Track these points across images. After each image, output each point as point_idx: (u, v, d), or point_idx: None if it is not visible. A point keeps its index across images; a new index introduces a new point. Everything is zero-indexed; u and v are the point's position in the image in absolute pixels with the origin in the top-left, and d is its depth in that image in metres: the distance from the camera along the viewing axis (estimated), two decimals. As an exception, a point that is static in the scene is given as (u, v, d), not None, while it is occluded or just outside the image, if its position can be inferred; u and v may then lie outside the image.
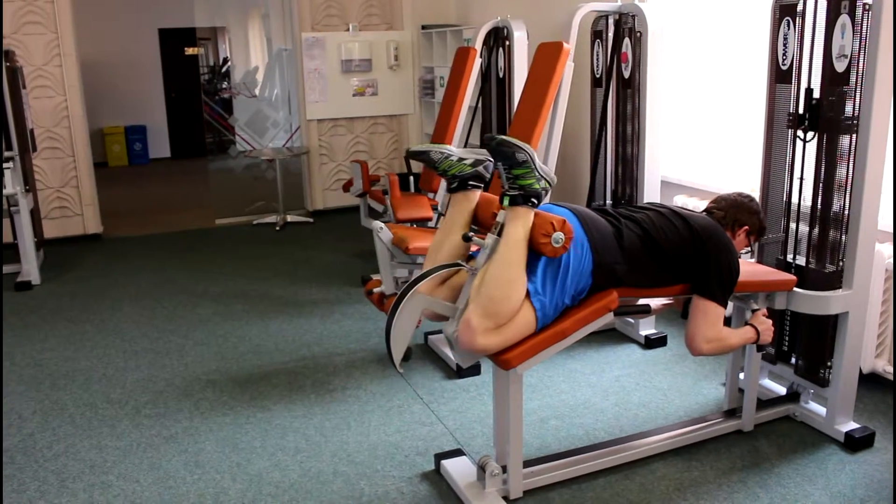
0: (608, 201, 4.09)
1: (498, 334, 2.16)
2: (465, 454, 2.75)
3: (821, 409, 2.97)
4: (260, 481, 2.69)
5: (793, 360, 3.06)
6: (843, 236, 2.73)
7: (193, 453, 2.88)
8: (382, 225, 3.40)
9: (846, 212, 2.71)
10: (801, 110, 2.79)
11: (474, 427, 3.04)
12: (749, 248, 2.85)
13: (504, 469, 2.49)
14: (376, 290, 3.49)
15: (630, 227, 2.45)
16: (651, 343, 3.85)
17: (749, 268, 2.87)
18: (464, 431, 3.00)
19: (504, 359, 2.19)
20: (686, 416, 3.09)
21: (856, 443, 2.80)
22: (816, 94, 2.73)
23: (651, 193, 3.75)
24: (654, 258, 2.44)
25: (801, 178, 2.86)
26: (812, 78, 2.76)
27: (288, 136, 8.25)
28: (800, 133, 2.82)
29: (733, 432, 2.93)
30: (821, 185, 2.77)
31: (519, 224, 2.19)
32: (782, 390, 3.15)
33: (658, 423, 3.04)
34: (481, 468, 2.49)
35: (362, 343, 3.91)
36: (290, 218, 6.78)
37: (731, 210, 2.75)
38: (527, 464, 2.56)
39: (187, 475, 2.73)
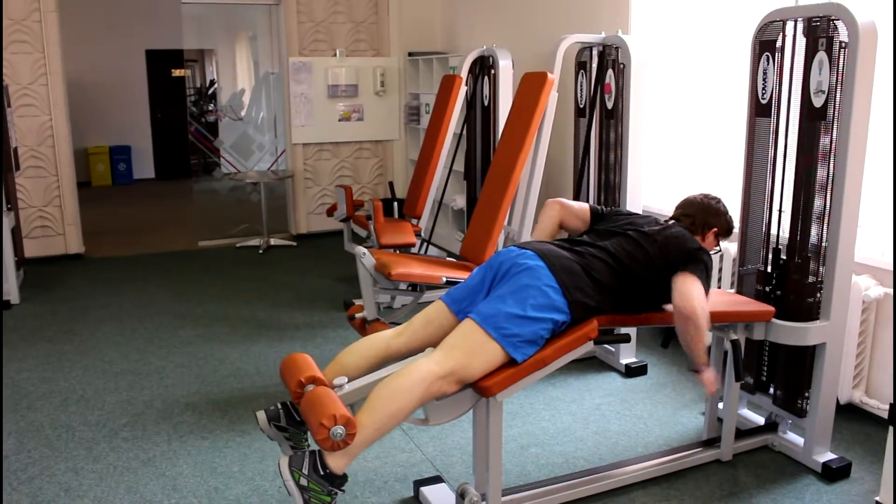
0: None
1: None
2: (444, 481, 2.74)
3: (799, 440, 2.99)
4: (237, 506, 2.67)
5: (771, 391, 3.09)
6: (821, 268, 2.77)
7: (171, 477, 2.86)
8: (365, 250, 3.41)
9: (824, 244, 2.75)
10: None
11: (453, 454, 3.04)
12: (718, 249, 2.88)
13: (483, 497, 2.49)
14: (358, 315, 3.49)
15: (598, 256, 2.48)
16: (631, 371, 3.86)
17: (727, 298, 2.90)
18: (443, 458, 3.00)
19: (484, 386, 2.20)
20: (665, 445, 3.10)
21: (833, 473, 2.82)
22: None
23: (633, 207, 3.79)
24: (628, 284, 2.47)
25: (780, 210, 2.90)
26: (791, 112, 2.82)
27: (273, 159, 8.27)
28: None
29: (712, 462, 2.94)
30: (799, 217, 2.82)
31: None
32: (761, 420, 3.17)
33: (638, 452, 3.05)
34: (460, 496, 2.49)
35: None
36: (273, 241, 6.77)
37: (699, 215, 2.82)
38: (506, 491, 2.56)
39: (164, 499, 2.71)
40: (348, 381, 2.29)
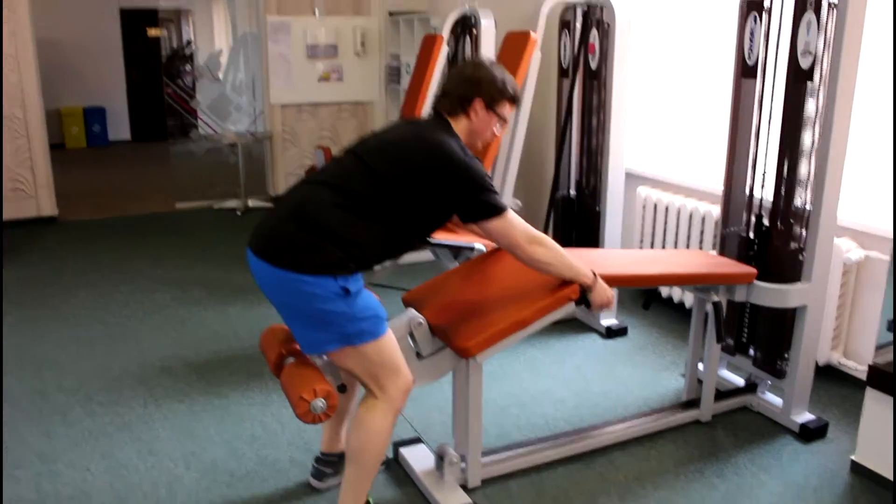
0: (572, 192, 4.09)
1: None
2: (423, 442, 2.73)
3: (777, 400, 3.01)
4: (215, 470, 2.64)
5: (751, 352, 3.09)
6: (804, 231, 2.75)
7: (147, 441, 2.82)
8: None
9: (807, 206, 2.73)
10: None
11: (433, 415, 3.02)
12: (503, 120, 2.32)
13: (462, 458, 2.48)
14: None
15: (314, 198, 2.09)
16: (612, 333, 3.86)
17: (709, 259, 2.89)
18: (422, 419, 2.98)
19: (463, 347, 2.17)
20: (646, 407, 3.10)
21: (810, 433, 2.84)
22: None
23: (615, 185, 3.76)
24: (369, 215, 2.08)
25: (764, 173, 2.88)
26: (777, 73, 2.78)
27: (251, 120, 8.14)
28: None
29: (692, 422, 2.95)
30: (783, 180, 2.80)
31: None
32: (740, 381, 3.18)
33: (618, 413, 3.05)
34: (439, 457, 2.47)
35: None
36: (252, 203, 6.69)
37: (455, 92, 2.26)
38: (486, 452, 2.55)
39: (140, 464, 2.67)
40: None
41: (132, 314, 4.13)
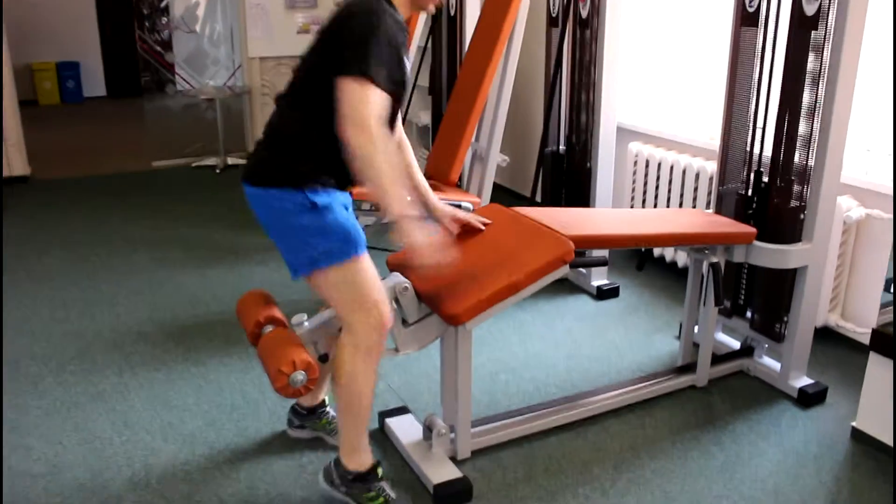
0: (562, 147, 3.95)
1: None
2: (410, 412, 2.62)
3: (774, 364, 2.92)
4: (193, 441, 2.53)
5: (748, 314, 2.99)
6: (805, 190, 2.63)
7: (122, 412, 2.70)
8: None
9: (809, 164, 2.61)
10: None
11: (420, 383, 2.92)
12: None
13: (452, 428, 2.38)
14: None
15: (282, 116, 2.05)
16: (603, 294, 3.76)
17: (707, 218, 2.77)
18: (409, 388, 2.88)
19: (452, 314, 2.05)
20: (639, 371, 3.01)
21: (809, 398, 2.76)
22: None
23: (606, 139, 3.62)
24: (304, 106, 1.97)
25: (764, 129, 2.75)
26: (779, 22, 2.63)
27: (229, 74, 7.89)
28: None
29: (687, 387, 2.87)
30: (783, 136, 2.67)
31: None
32: (736, 344, 3.09)
33: (611, 378, 2.96)
34: (427, 428, 2.37)
35: (304, 292, 3.72)
36: (231, 160, 6.49)
37: None
38: (475, 422, 2.45)
39: (115, 436, 2.56)
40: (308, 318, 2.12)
41: (107, 277, 3.98)
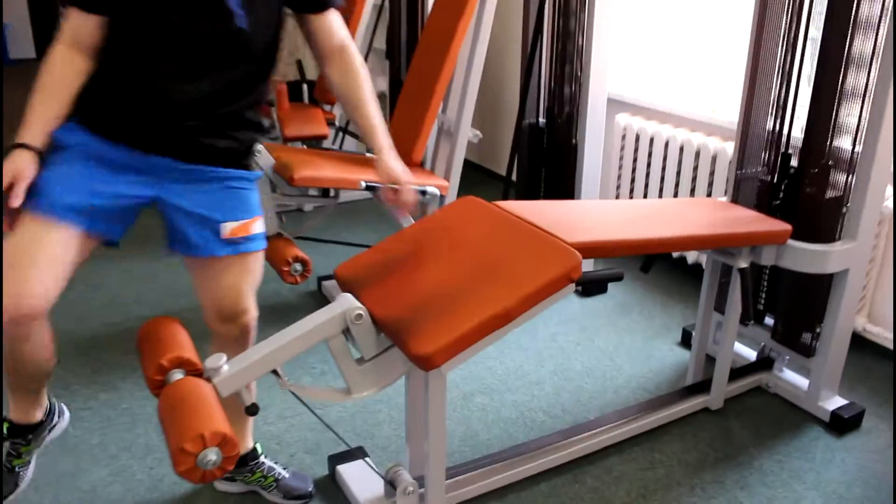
0: (542, 120, 3.43)
1: None
2: (367, 455, 2.12)
3: (797, 379, 2.48)
4: (94, 499, 2.00)
5: (768, 321, 2.54)
6: (850, 177, 2.16)
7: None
8: (261, 147, 2.65)
9: (856, 148, 2.13)
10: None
11: (380, 410, 2.41)
12: None
13: (420, 481, 1.87)
14: (257, 231, 2.77)
15: None
16: (588, 290, 3.28)
17: (731, 212, 2.28)
18: (366, 417, 2.37)
19: (422, 355, 1.52)
20: (640, 389, 2.54)
21: (844, 424, 2.32)
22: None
23: (595, 111, 3.12)
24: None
25: (795, 101, 2.26)
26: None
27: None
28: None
29: (699, 411, 2.41)
30: (821, 110, 2.19)
31: None
32: (751, 354, 2.64)
33: (607, 399, 2.49)
34: (390, 483, 1.87)
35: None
36: (168, 132, 5.84)
37: None
38: (450, 471, 1.95)
39: (-9, 493, 2.01)
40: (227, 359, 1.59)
41: None
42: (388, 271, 1.80)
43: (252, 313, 1.80)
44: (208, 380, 1.53)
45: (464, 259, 1.74)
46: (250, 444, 1.99)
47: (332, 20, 1.76)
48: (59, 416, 2.00)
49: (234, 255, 1.71)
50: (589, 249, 1.75)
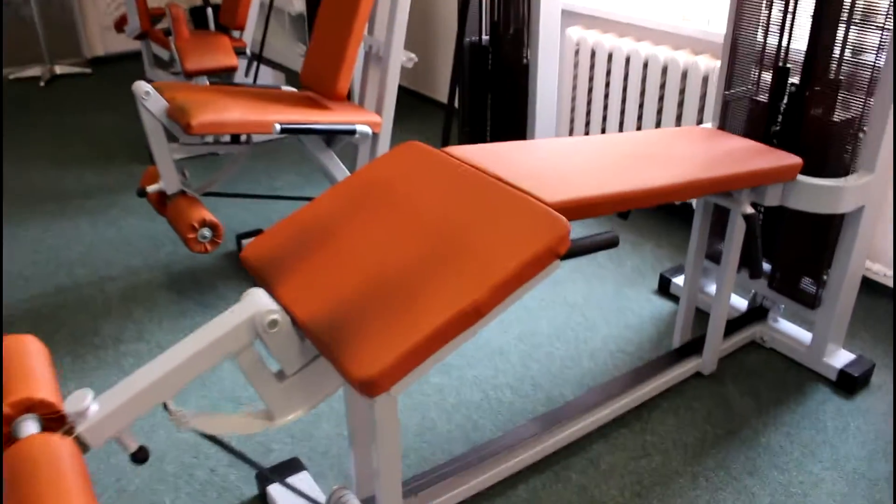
0: (485, 37, 2.98)
1: None
2: (304, 468, 1.73)
3: (796, 331, 2.17)
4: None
5: (766, 268, 2.20)
6: (867, 99, 1.79)
7: None
8: (149, 88, 2.15)
9: (878, 59, 1.76)
10: None
11: (320, 413, 2.01)
12: None
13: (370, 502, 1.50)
14: (151, 188, 2.30)
15: None
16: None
17: (727, 144, 1.89)
18: (303, 423, 1.97)
19: (364, 379, 1.11)
20: (619, 352, 2.20)
21: (853, 382, 2.02)
22: None
23: (548, 25, 2.68)
24: None
25: (795, 8, 1.87)
26: None
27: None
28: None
29: (691, 376, 2.08)
30: (826, 14, 1.80)
31: None
32: (741, 304, 2.32)
33: (583, 368, 2.14)
34: (334, 512, 1.48)
35: (149, 256, 2.72)
36: (59, 69, 5.16)
37: None
38: (407, 485, 1.58)
39: None
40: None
41: None
42: (313, 251, 1.37)
43: None
44: (70, 431, 1.10)
45: (414, 230, 1.32)
46: None
47: None
48: None
49: None
50: (574, 209, 1.35)
